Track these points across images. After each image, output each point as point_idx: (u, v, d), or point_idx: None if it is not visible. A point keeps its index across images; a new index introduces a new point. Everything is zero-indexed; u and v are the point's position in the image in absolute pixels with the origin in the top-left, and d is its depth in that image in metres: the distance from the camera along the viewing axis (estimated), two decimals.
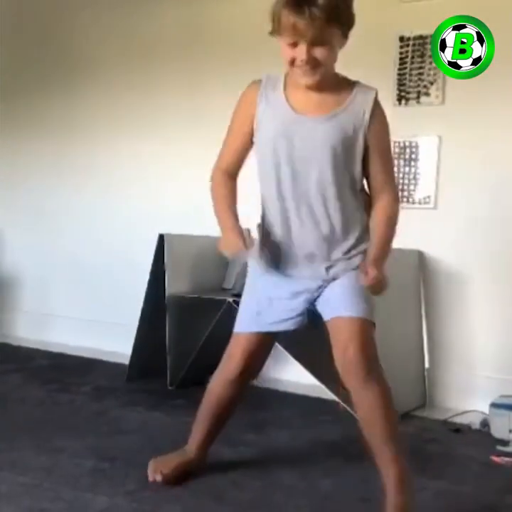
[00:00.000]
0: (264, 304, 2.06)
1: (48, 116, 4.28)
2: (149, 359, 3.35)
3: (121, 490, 2.08)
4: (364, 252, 1.99)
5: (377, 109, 1.96)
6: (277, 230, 2.02)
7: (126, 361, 3.39)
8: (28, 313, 4.37)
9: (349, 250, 1.99)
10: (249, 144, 2.04)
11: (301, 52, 1.84)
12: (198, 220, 3.46)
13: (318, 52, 1.84)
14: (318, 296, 1.99)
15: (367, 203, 2.03)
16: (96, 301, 4.09)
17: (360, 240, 2.00)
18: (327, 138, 1.92)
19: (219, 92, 3.68)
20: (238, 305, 3.01)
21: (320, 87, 1.92)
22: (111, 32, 4.07)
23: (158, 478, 2.14)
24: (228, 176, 2.08)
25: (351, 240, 1.99)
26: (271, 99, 1.98)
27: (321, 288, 1.99)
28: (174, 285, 3.27)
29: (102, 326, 3.97)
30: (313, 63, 1.86)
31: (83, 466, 2.25)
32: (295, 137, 1.94)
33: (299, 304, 2.01)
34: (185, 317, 3.28)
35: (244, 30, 3.63)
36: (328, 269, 1.99)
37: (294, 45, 1.84)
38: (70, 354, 3.89)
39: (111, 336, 3.82)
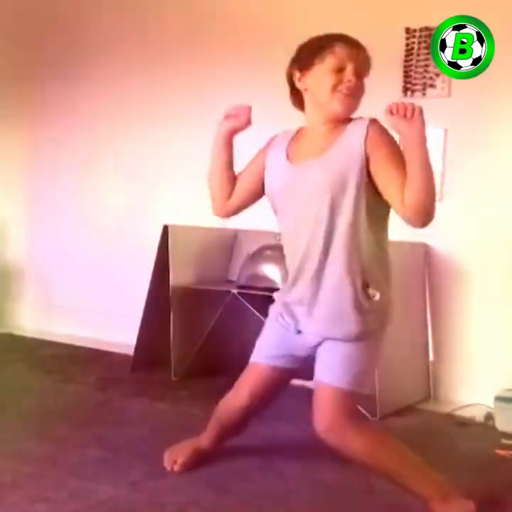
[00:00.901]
0: (270, 339, 2.08)
1: (48, 106, 4.28)
2: (153, 350, 3.35)
3: (125, 480, 2.09)
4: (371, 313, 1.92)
5: (372, 128, 1.88)
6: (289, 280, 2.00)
7: (131, 352, 3.40)
8: (32, 303, 4.38)
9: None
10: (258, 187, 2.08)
11: (348, 74, 1.89)
12: (201, 212, 3.46)
13: (359, 84, 1.92)
14: (316, 347, 1.95)
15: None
16: (100, 292, 4.10)
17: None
18: (316, 179, 1.89)
19: (223, 83, 3.67)
20: (242, 297, 3.04)
21: (337, 122, 1.93)
22: (112, 29, 4.07)
23: (177, 467, 2.16)
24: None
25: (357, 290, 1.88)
26: (276, 153, 2.02)
27: (319, 345, 1.94)
28: (178, 276, 3.27)
29: (106, 317, 3.97)
30: (354, 89, 1.90)
31: (87, 456, 2.26)
32: (290, 186, 1.95)
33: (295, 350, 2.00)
34: (189, 308, 3.28)
35: (249, 20, 3.62)
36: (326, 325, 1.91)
37: (340, 70, 1.89)
38: (75, 344, 3.89)
39: (115, 326, 3.82)
